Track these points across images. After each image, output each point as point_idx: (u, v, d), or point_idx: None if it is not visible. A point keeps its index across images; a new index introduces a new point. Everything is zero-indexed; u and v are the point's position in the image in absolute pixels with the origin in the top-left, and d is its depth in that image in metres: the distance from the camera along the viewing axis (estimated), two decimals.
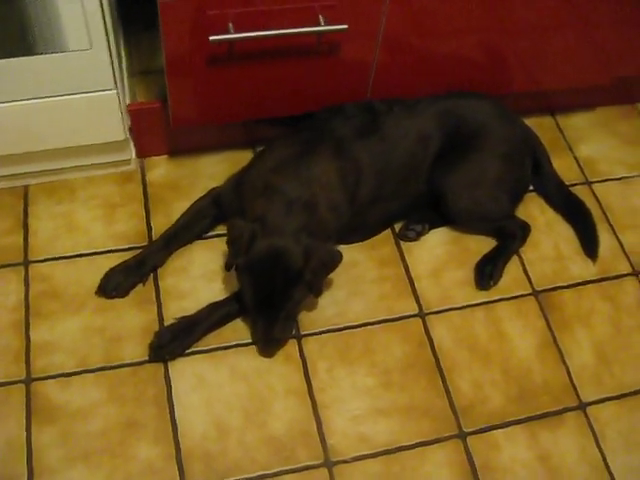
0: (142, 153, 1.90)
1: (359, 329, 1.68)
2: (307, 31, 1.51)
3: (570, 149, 2.10)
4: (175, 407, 1.51)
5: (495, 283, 1.76)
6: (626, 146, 2.10)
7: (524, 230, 1.85)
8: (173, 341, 1.57)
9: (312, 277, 1.49)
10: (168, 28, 1.47)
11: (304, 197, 1.53)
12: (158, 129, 1.85)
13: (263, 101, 1.72)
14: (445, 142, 1.77)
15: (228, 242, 1.55)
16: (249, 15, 1.48)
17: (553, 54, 1.88)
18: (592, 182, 2.03)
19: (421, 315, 1.72)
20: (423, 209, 1.85)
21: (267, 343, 1.57)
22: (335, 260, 1.55)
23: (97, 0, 1.39)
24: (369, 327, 1.68)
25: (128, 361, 1.56)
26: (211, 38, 1.46)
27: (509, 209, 1.84)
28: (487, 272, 1.76)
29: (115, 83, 1.57)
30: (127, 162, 1.86)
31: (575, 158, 2.08)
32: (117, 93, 1.59)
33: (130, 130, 1.83)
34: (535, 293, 1.79)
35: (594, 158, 2.08)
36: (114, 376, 1.54)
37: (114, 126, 1.67)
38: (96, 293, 1.65)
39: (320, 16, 1.52)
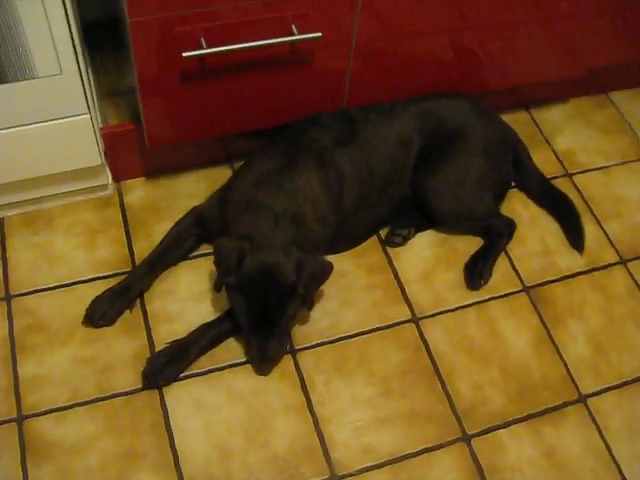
0: (119, 177, 1.86)
1: (353, 339, 1.66)
2: (281, 41, 1.49)
3: (548, 142, 2.11)
4: (174, 434, 1.48)
5: (486, 282, 1.76)
6: (603, 135, 2.11)
7: (510, 227, 1.84)
8: (166, 366, 1.53)
9: (305, 290, 1.47)
10: (139, 47, 1.44)
11: (290, 210, 1.51)
12: (133, 151, 1.82)
13: (239, 114, 1.70)
14: (425, 144, 1.77)
15: (215, 262, 1.52)
16: (221, 28, 1.46)
17: (524, 50, 1.89)
18: (572, 174, 2.04)
19: (414, 320, 1.70)
20: (408, 213, 1.83)
21: (263, 361, 1.54)
22: (326, 271, 1.53)
23: (66, 26, 1.36)
24: (363, 336, 1.67)
25: (121, 390, 1.53)
26: (184, 54, 1.44)
27: (494, 207, 1.84)
28: (477, 272, 1.76)
29: (88, 107, 1.54)
30: (104, 187, 1.83)
31: (553, 151, 2.09)
32: (91, 117, 1.56)
33: (105, 154, 1.79)
34: (526, 289, 1.78)
35: (572, 150, 2.09)
36: (108, 407, 1.50)
37: (89, 151, 1.64)
38: (83, 323, 1.61)
39: (293, 25, 1.50)
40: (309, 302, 1.51)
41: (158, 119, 1.64)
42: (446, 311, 1.72)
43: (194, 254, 1.76)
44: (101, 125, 1.72)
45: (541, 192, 1.94)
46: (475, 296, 1.75)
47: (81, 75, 1.46)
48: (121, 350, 1.58)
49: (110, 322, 1.62)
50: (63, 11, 1.34)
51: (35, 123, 1.52)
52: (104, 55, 1.91)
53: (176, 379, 1.54)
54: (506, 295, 1.77)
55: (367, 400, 1.56)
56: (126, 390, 1.53)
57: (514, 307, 1.74)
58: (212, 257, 1.67)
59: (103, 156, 1.71)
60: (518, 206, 1.93)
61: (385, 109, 1.77)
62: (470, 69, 1.89)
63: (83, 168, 1.69)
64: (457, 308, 1.73)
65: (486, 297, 1.75)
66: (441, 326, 1.69)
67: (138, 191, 1.88)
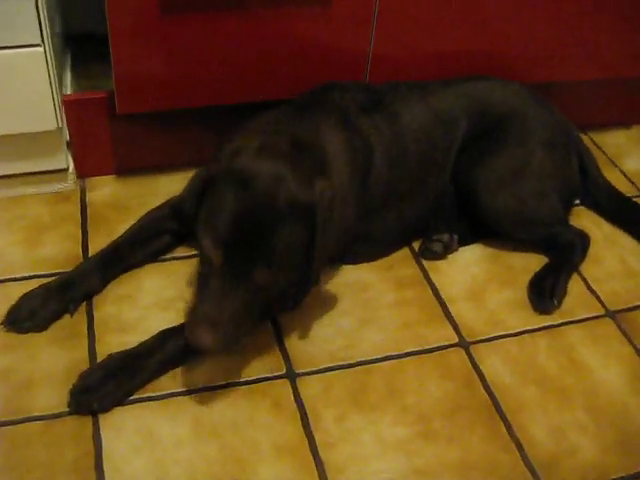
0: (83, 172, 1.47)
1: (378, 364, 1.19)
2: None
3: (614, 164, 1.73)
4: (106, 476, 0.98)
5: (559, 303, 1.31)
6: None
7: (583, 239, 1.41)
8: (105, 384, 1.07)
9: (322, 229, 1.02)
10: None
11: (315, 149, 1.12)
12: (101, 135, 1.44)
13: (236, 75, 1.33)
14: (472, 128, 1.39)
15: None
16: None
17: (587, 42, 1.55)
18: None
19: (463, 345, 1.23)
20: (449, 216, 1.41)
21: (202, 319, 1.00)
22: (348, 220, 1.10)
23: None
24: (392, 361, 1.20)
25: (39, 414, 1.05)
26: None
27: (561, 211, 1.41)
28: (546, 291, 1.31)
29: (41, 36, 1.17)
30: (62, 177, 1.44)
31: (622, 172, 1.70)
32: (44, 51, 1.19)
33: (67, 144, 1.42)
34: (610, 314, 1.32)
35: None
36: (18, 434, 1.03)
37: (42, 105, 1.26)
38: (2, 324, 1.16)
39: None
40: (318, 259, 1.05)
41: (131, 69, 1.28)
42: (506, 335, 1.27)
43: (166, 256, 1.32)
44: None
45: (615, 207, 1.53)
46: (543, 320, 1.30)
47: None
48: (49, 362, 1.12)
49: (39, 326, 1.17)
50: None
51: None
52: (88, 65, 1.60)
53: (119, 403, 1.06)
54: (585, 320, 1.31)
55: (398, 444, 1.07)
56: (46, 414, 1.05)
57: (597, 334, 1.28)
58: (189, 261, 1.30)
59: (60, 120, 1.32)
60: (588, 224, 1.52)
61: (417, 85, 1.41)
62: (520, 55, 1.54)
63: (35, 135, 1.30)
64: (520, 332, 1.27)
65: (558, 321, 1.30)
66: (500, 353, 1.23)
67: (105, 188, 1.49)
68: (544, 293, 1.31)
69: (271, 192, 1.00)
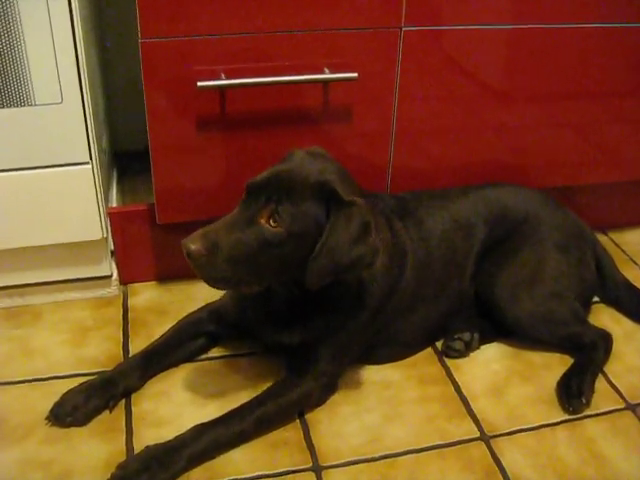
0: (126, 278, 1.60)
1: (402, 457, 1.23)
2: (312, 79, 1.30)
3: (634, 262, 1.78)
4: None
5: (588, 402, 1.34)
6: None
7: (606, 339, 1.46)
8: (141, 474, 1.12)
9: (335, 230, 1.12)
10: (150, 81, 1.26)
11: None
12: (144, 243, 1.57)
13: None
14: (490, 233, 1.48)
15: None
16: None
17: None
18: None
19: (484, 438, 1.27)
20: (470, 316, 1.48)
21: (210, 232, 1.11)
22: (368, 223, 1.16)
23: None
24: (415, 455, 1.24)
25: None
26: (199, 84, 1.24)
27: (579, 311, 1.46)
28: (574, 389, 1.34)
29: (90, 155, 1.33)
30: (106, 283, 1.55)
31: None
32: (92, 168, 1.34)
33: (112, 252, 1.55)
34: (631, 407, 1.35)
35: None
36: None
37: (88, 216, 1.40)
38: (47, 419, 1.24)
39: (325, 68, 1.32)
40: (321, 256, 1.12)
41: (170, 181, 1.41)
42: (526, 429, 1.30)
43: (202, 357, 1.41)
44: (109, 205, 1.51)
45: (634, 303, 1.58)
46: (563, 414, 1.33)
47: (84, 108, 1.26)
48: (88, 454, 1.19)
49: (81, 421, 1.25)
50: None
51: (26, 169, 1.31)
52: (132, 179, 1.78)
53: None
54: (605, 413, 1.34)
55: None
56: None
57: (618, 427, 1.31)
58: (224, 361, 1.38)
59: (106, 231, 1.45)
60: (607, 321, 1.56)
61: (437, 193, 1.52)
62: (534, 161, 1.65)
63: (82, 244, 1.43)
64: (540, 426, 1.31)
65: (578, 415, 1.32)
66: (520, 446, 1.26)
67: (145, 294, 1.60)
68: (572, 393, 1.34)
69: (311, 172, 1.14)
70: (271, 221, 1.12)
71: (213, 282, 1.15)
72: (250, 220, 1.13)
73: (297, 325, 1.27)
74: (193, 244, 1.10)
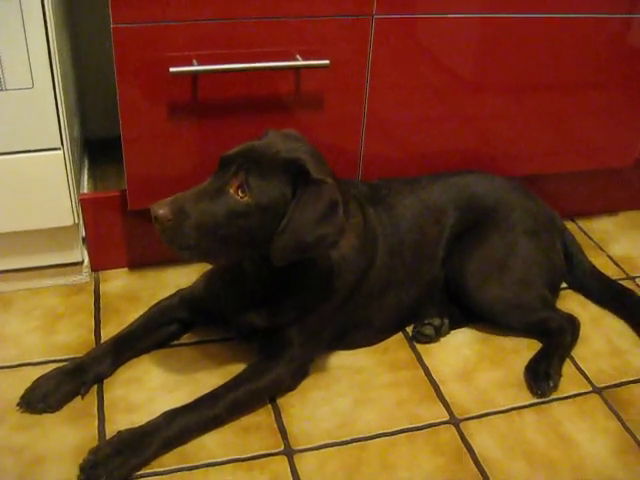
0: (97, 264, 1.59)
1: (372, 441, 1.25)
2: (284, 65, 1.30)
3: (601, 249, 1.82)
4: None
5: (555, 385, 1.37)
6: None
7: (573, 324, 1.48)
8: (114, 458, 1.13)
9: (301, 207, 1.13)
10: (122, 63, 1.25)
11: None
12: (115, 230, 1.56)
13: None
14: (460, 218, 1.50)
15: None
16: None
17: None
18: (635, 277, 1.71)
19: (454, 422, 1.29)
20: (440, 302, 1.49)
21: (179, 198, 1.12)
22: (333, 200, 1.16)
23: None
24: (385, 438, 1.26)
25: None
26: (171, 70, 1.24)
27: (548, 297, 1.49)
28: (542, 373, 1.36)
29: (61, 141, 1.31)
30: (77, 270, 1.54)
31: (609, 257, 1.79)
32: (63, 154, 1.32)
33: (83, 239, 1.55)
34: (597, 390, 1.38)
35: (631, 255, 1.81)
36: None
37: (60, 202, 1.38)
38: (18, 405, 1.23)
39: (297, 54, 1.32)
40: (285, 232, 1.13)
41: (141, 167, 1.41)
42: (495, 412, 1.32)
43: (174, 343, 1.41)
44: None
45: (601, 289, 1.61)
46: (531, 397, 1.36)
47: (55, 93, 1.25)
48: (60, 440, 1.19)
49: (53, 407, 1.25)
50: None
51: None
52: (103, 166, 1.76)
53: (126, 478, 1.12)
54: (572, 396, 1.37)
55: None
56: None
57: (584, 410, 1.33)
58: (195, 347, 1.39)
59: (77, 217, 1.44)
60: (575, 307, 1.59)
61: (409, 180, 1.53)
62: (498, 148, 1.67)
63: (53, 230, 1.42)
64: (509, 410, 1.33)
65: (546, 398, 1.35)
66: (490, 429, 1.28)
67: (117, 280, 1.59)
68: (540, 377, 1.36)
69: (283, 148, 1.16)
70: (240, 191, 1.13)
71: (178, 249, 1.14)
72: (220, 189, 1.14)
73: (268, 307, 1.28)
74: (160, 209, 1.10)
